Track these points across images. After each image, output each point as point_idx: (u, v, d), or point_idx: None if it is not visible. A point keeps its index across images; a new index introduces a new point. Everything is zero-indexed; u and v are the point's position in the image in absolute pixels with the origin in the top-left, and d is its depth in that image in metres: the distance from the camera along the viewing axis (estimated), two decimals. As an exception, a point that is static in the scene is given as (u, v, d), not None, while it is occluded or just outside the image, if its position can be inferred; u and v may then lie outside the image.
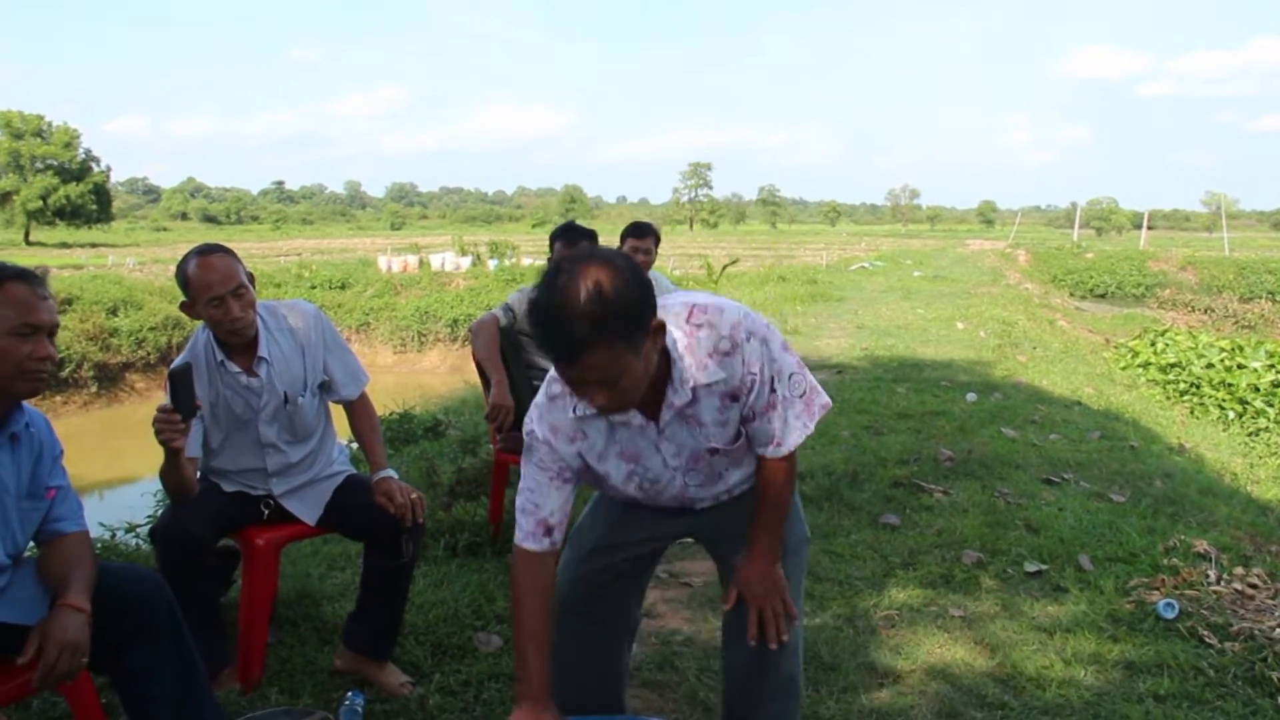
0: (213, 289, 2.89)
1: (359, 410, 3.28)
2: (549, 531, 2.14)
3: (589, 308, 1.75)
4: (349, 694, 3.01)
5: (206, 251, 2.94)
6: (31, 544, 2.45)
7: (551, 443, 2.10)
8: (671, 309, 2.02)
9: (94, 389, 16.89)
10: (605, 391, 1.86)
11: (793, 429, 2.16)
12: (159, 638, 2.45)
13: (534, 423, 2.12)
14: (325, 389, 3.21)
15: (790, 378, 2.13)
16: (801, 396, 2.16)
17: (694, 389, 2.05)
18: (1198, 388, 12.58)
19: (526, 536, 2.14)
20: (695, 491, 2.27)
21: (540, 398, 2.12)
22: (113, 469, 10.83)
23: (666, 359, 2.00)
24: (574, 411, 2.07)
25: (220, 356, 3.01)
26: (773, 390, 2.10)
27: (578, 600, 2.40)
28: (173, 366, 2.69)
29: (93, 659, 2.27)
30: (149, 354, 18.34)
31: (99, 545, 4.27)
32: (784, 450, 2.18)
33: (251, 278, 3.01)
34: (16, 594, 2.33)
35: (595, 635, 2.45)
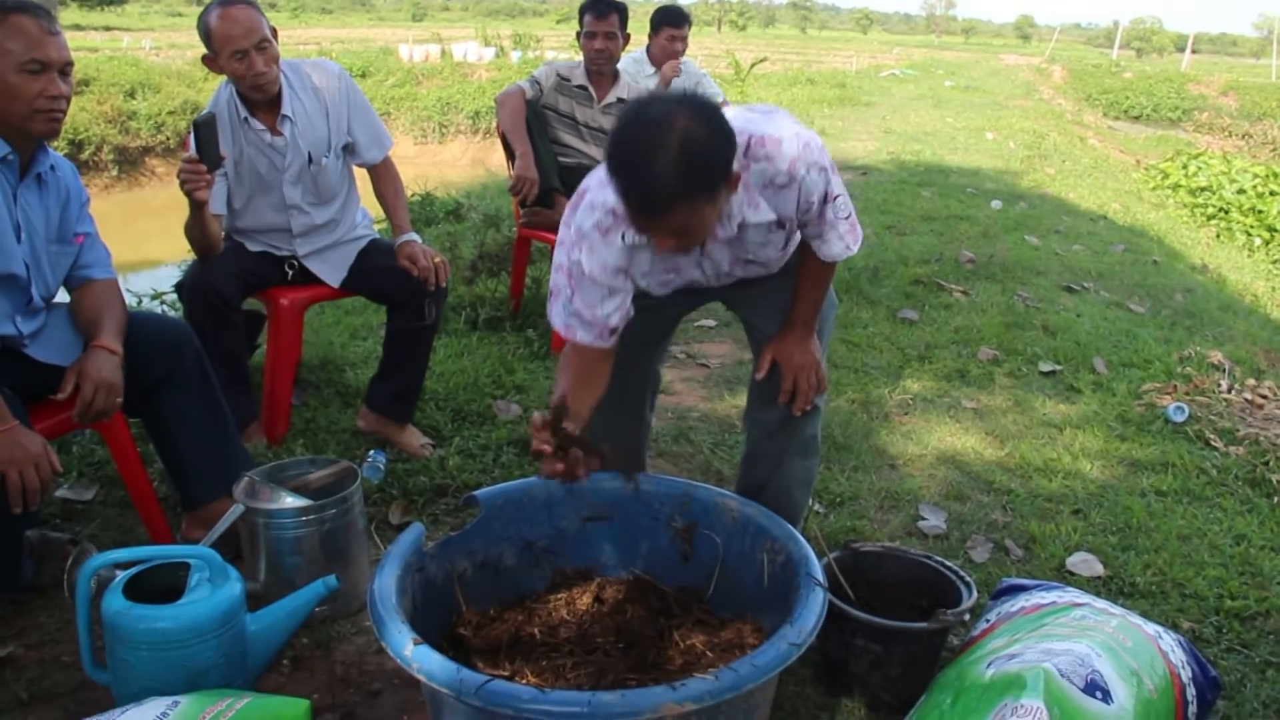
0: (235, 42, 2.82)
1: (382, 174, 3.25)
2: (614, 331, 2.13)
3: (680, 165, 1.69)
4: (371, 452, 3.10)
5: (229, 3, 2.84)
6: (62, 291, 2.47)
7: (598, 274, 2.06)
8: (734, 122, 1.93)
9: (114, 172, 16.76)
10: (677, 238, 1.84)
11: (833, 244, 2.17)
12: (188, 384, 2.50)
13: (581, 254, 2.05)
14: (349, 151, 3.17)
15: (836, 200, 2.11)
16: (847, 219, 2.16)
17: (740, 225, 2.04)
18: (1226, 212, 12.38)
19: (595, 339, 2.11)
20: (720, 281, 2.30)
21: (588, 228, 2.04)
22: (135, 252, 10.85)
23: None
24: (623, 239, 2.02)
25: (244, 113, 2.96)
26: (823, 212, 2.10)
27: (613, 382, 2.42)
28: (197, 116, 2.66)
29: (125, 402, 2.33)
30: (168, 138, 18.10)
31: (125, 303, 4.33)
32: (832, 255, 2.19)
33: (275, 32, 2.93)
34: (52, 335, 2.38)
35: (629, 401, 2.49)
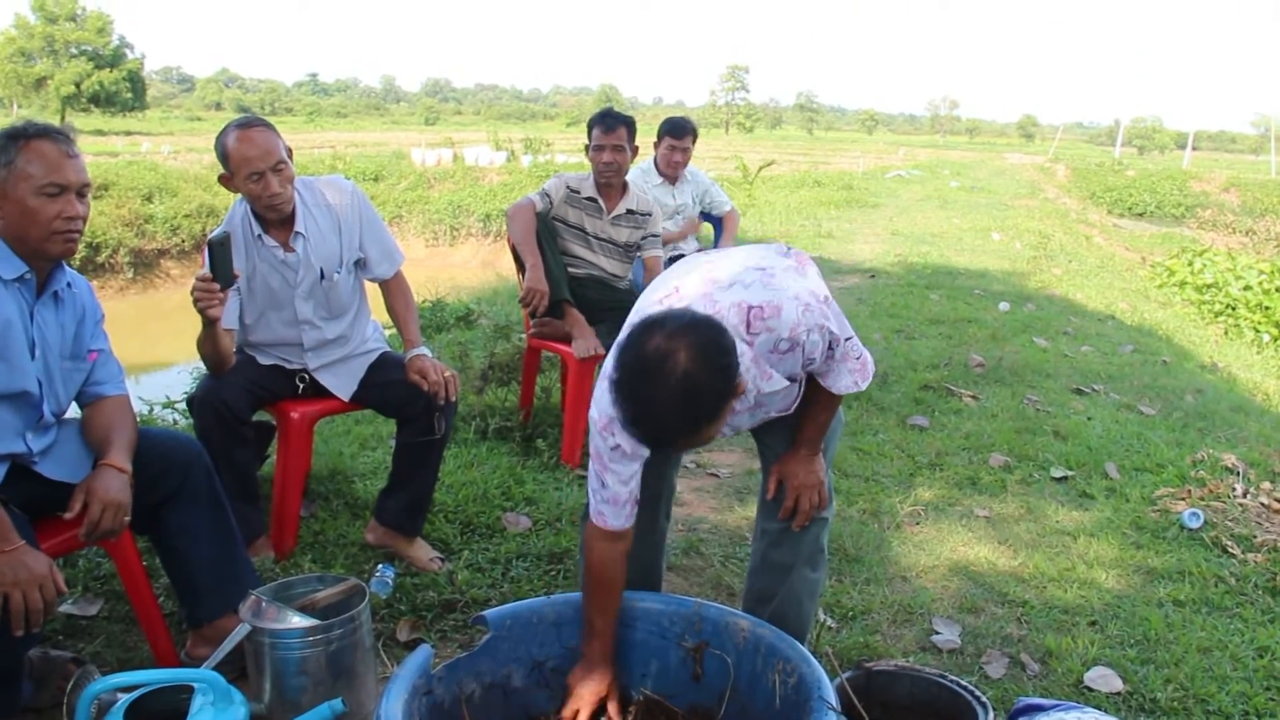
0: (252, 164, 2.88)
1: (394, 288, 3.29)
2: (636, 503, 2.20)
3: (682, 409, 1.80)
4: (380, 567, 3.08)
5: (247, 125, 2.92)
6: (74, 406, 2.49)
7: (635, 450, 2.11)
8: (728, 312, 2.01)
9: (129, 275, 16.98)
10: (694, 441, 1.93)
11: (842, 378, 2.24)
12: (197, 501, 2.50)
13: (615, 437, 2.09)
14: (360, 266, 3.21)
15: (845, 342, 2.18)
16: (857, 359, 2.24)
17: (758, 395, 2.14)
18: (1234, 309, 12.41)
19: (625, 519, 2.18)
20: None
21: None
22: (148, 353, 10.96)
23: None
24: None
25: (258, 230, 3.01)
26: (830, 358, 2.17)
27: None
28: (211, 235, 2.70)
29: (134, 519, 2.33)
30: (184, 241, 18.38)
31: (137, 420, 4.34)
32: (839, 390, 2.26)
33: (290, 152, 2.99)
34: (62, 452, 2.38)
35: (646, 511, 2.49)
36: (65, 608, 2.82)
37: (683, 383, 1.77)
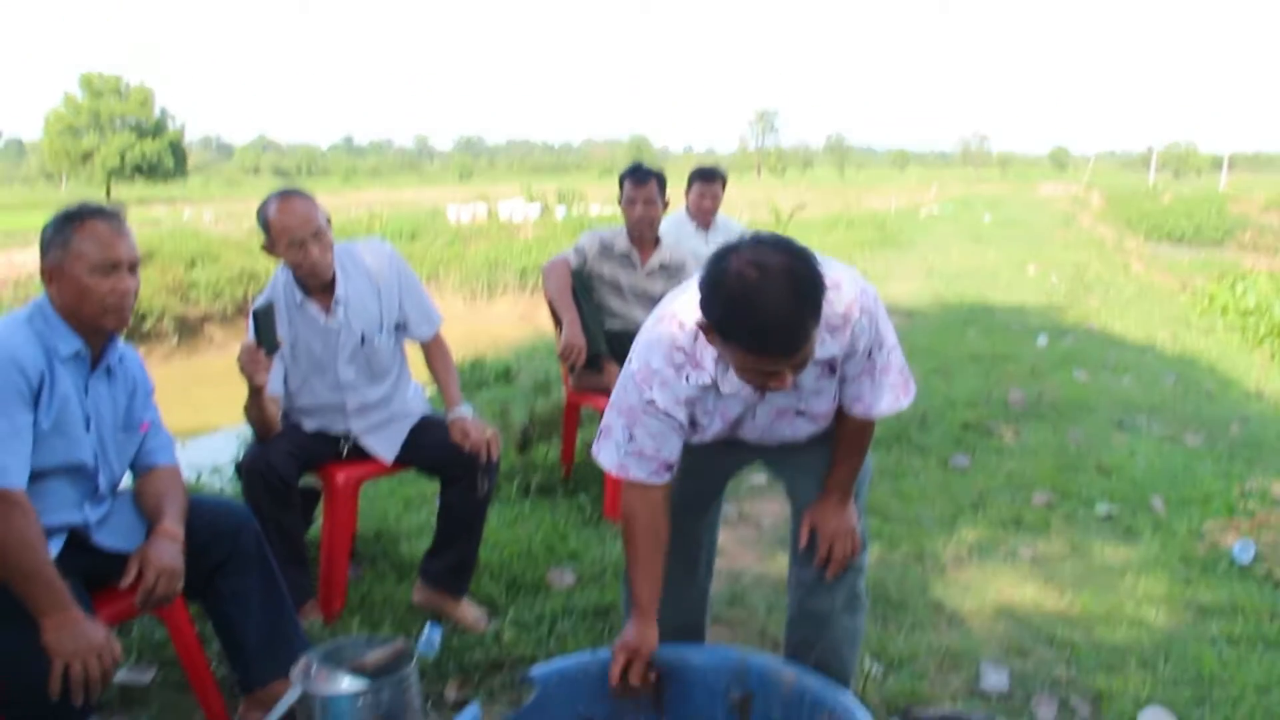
0: (292, 232, 2.96)
1: (434, 349, 3.35)
2: (670, 467, 2.22)
3: (798, 299, 1.79)
4: (426, 626, 3.10)
5: (287, 195, 3.01)
6: (127, 476, 2.55)
7: (671, 409, 2.15)
8: None
9: (174, 341, 17.25)
10: (796, 371, 1.92)
11: (883, 397, 2.24)
12: (248, 567, 2.55)
13: (653, 391, 2.13)
14: (401, 329, 3.28)
15: (887, 350, 2.20)
16: (900, 371, 2.25)
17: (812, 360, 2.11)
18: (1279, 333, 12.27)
19: (651, 474, 2.20)
20: (766, 438, 2.36)
21: (661, 367, 2.13)
22: (194, 419, 11.08)
23: None
24: (687, 380, 2.12)
25: (299, 297, 3.09)
26: (869, 358, 2.17)
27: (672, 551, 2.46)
28: (256, 304, 2.77)
29: (186, 586, 2.38)
30: (226, 306, 18.67)
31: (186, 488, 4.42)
32: (872, 413, 2.26)
33: (328, 220, 3.07)
34: (116, 522, 2.44)
35: (683, 570, 2.52)
36: (120, 676, 2.86)
37: (789, 275, 1.79)
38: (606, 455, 2.25)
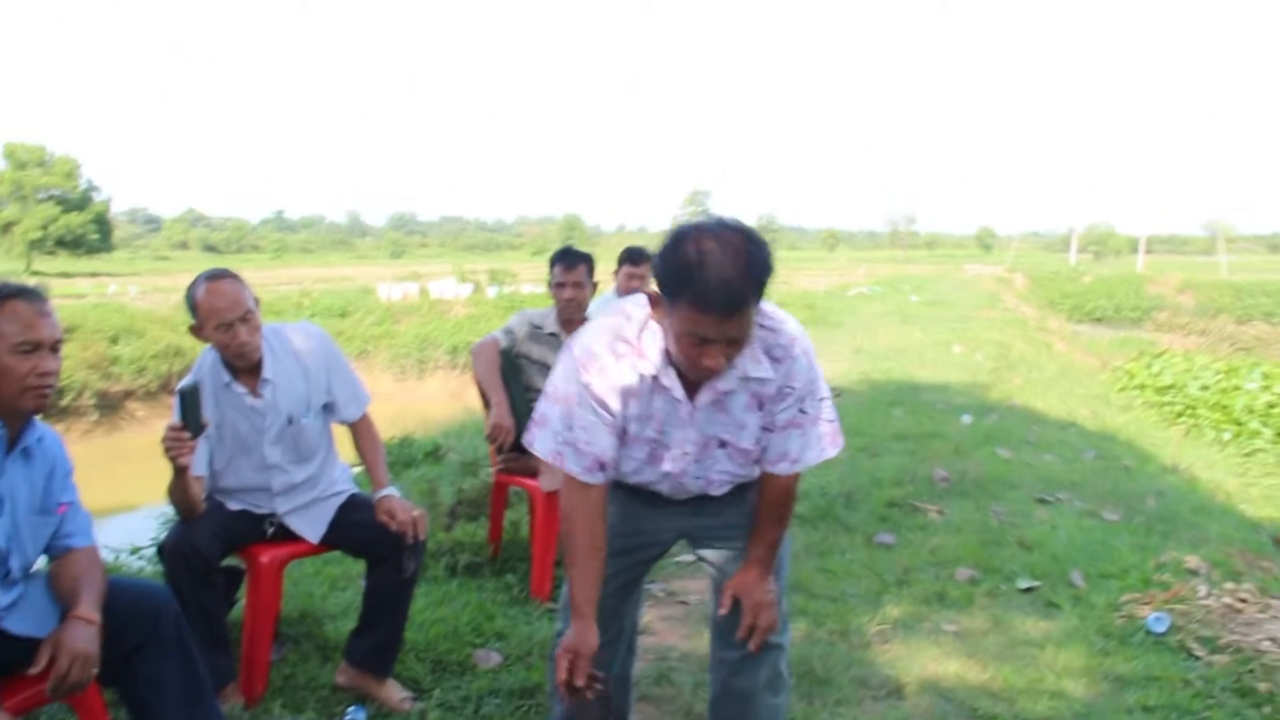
0: (221, 314, 2.97)
1: (361, 430, 3.36)
2: (602, 467, 2.25)
3: (750, 260, 1.94)
4: (351, 709, 3.07)
5: (215, 277, 3.02)
6: (42, 559, 2.51)
7: (605, 399, 2.19)
8: None
9: (95, 417, 16.96)
10: (728, 351, 2.01)
11: (812, 448, 2.30)
12: (166, 650, 2.50)
13: (589, 375, 2.19)
14: (329, 409, 3.28)
15: (821, 401, 2.27)
16: (830, 421, 2.31)
17: (740, 378, 2.18)
18: (1193, 409, 12.65)
19: (583, 471, 2.24)
20: (687, 479, 2.36)
21: (601, 353, 2.19)
22: (114, 496, 10.85)
23: None
24: (627, 368, 2.18)
25: (226, 378, 3.08)
26: (802, 411, 2.24)
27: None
28: (181, 385, 2.76)
29: (102, 670, 2.33)
30: (150, 382, 18.42)
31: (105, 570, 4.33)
32: (798, 467, 2.30)
33: (257, 301, 3.09)
34: (28, 607, 2.39)
35: (604, 658, 2.52)
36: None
37: (744, 249, 1.94)
38: (542, 443, 2.28)
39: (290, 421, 3.14)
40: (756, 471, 2.37)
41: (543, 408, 2.27)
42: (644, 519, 2.46)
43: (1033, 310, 28.31)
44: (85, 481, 2.65)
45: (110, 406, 17.56)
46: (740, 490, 2.42)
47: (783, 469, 2.30)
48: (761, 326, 2.14)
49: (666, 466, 2.32)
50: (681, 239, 1.97)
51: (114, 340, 18.78)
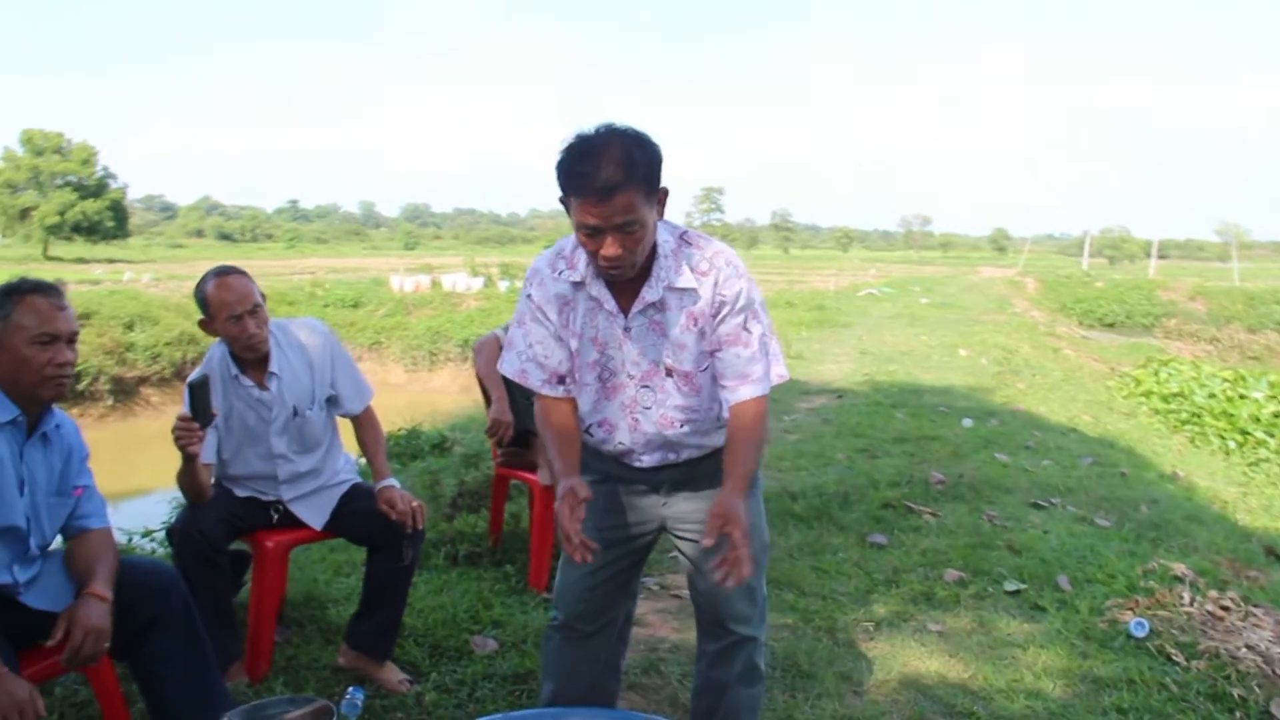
0: (230, 308, 3.10)
1: (363, 423, 3.49)
2: (561, 380, 2.39)
3: (626, 151, 2.05)
4: (350, 689, 3.17)
5: (224, 273, 3.16)
6: (59, 538, 2.64)
7: (545, 308, 2.34)
8: (672, 222, 2.30)
9: (110, 402, 17.13)
10: (622, 240, 2.11)
11: (771, 366, 2.40)
12: (175, 627, 2.63)
13: (532, 287, 2.36)
14: (332, 403, 3.40)
15: (766, 322, 2.37)
16: (776, 350, 2.45)
17: (666, 289, 2.27)
18: (1199, 417, 12.66)
19: (544, 385, 2.39)
20: (643, 416, 2.38)
21: (542, 267, 2.36)
22: (128, 480, 11.00)
23: (651, 256, 2.24)
24: (559, 275, 2.32)
25: (235, 371, 3.21)
26: (745, 328, 2.30)
27: (584, 618, 2.58)
28: (191, 378, 2.89)
29: (113, 644, 2.46)
30: (164, 369, 18.57)
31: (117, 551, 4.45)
32: (760, 388, 2.30)
33: (264, 297, 3.21)
34: (45, 583, 2.53)
35: (596, 645, 2.63)
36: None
37: (624, 135, 2.08)
38: (509, 363, 2.43)
39: (295, 413, 3.26)
40: (714, 414, 2.39)
41: (510, 333, 2.43)
42: (626, 511, 2.54)
43: (1042, 315, 28.29)
44: (100, 466, 2.78)
45: (125, 392, 17.73)
46: (714, 473, 2.38)
47: (745, 392, 2.28)
48: (686, 243, 2.28)
49: (621, 398, 2.38)
50: (570, 140, 2.11)
51: (129, 327, 18.94)
